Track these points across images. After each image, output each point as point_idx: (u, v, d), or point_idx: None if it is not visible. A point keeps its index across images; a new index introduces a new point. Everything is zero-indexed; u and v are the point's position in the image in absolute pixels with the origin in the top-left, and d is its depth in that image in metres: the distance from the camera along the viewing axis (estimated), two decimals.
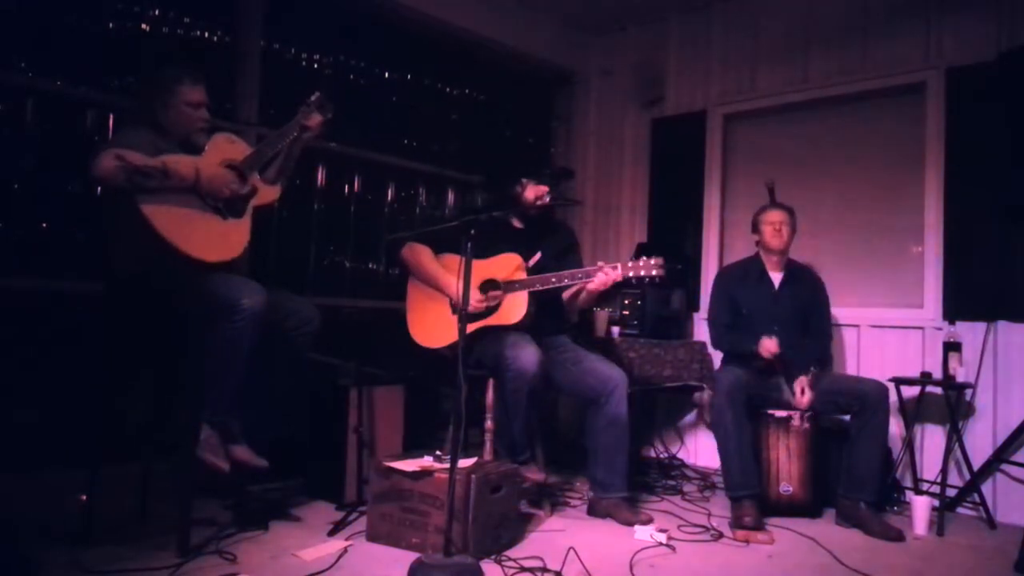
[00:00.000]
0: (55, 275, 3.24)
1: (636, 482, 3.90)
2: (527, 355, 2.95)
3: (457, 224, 2.67)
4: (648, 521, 3.13)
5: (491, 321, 3.14)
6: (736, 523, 3.13)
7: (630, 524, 3.09)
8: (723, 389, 3.33)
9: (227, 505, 2.96)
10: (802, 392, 3.39)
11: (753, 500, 3.20)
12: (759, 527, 3.09)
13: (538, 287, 3.12)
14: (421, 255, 3.29)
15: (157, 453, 2.85)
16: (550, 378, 3.18)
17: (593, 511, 3.28)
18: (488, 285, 3.18)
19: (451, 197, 4.88)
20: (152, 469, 2.83)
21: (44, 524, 2.61)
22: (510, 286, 3.14)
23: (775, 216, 3.62)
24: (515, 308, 3.12)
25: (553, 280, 3.09)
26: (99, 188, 3.28)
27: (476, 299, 3.06)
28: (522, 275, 3.16)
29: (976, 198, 3.69)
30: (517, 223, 3.40)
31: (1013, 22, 3.65)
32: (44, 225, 3.25)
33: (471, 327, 3.07)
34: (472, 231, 2.55)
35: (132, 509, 2.80)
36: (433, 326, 3.23)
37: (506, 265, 3.18)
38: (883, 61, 4.10)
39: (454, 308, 3.18)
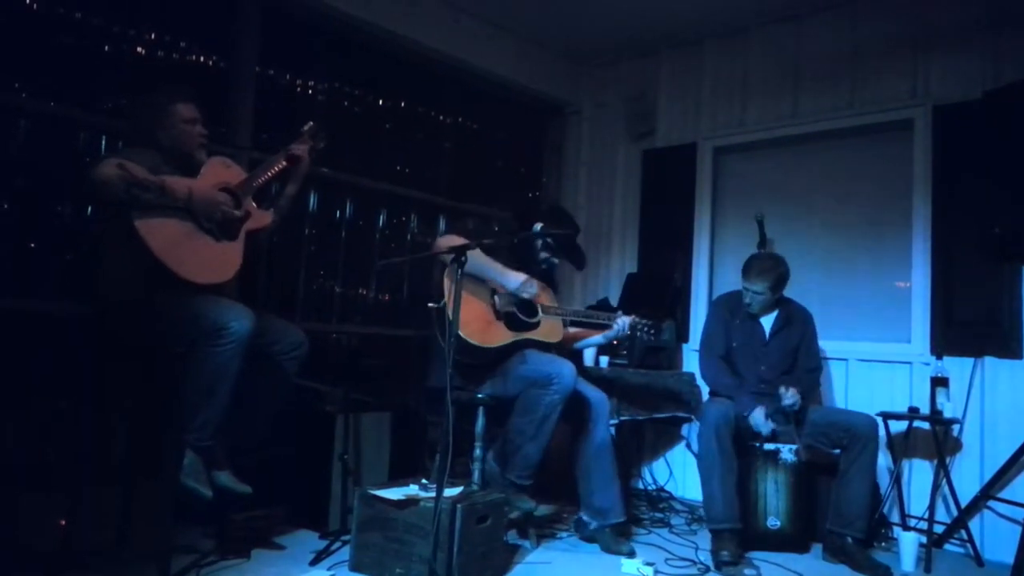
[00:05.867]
0: (41, 296, 3.22)
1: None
2: (569, 370, 3.06)
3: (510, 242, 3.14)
4: (631, 553, 3.12)
5: (534, 334, 3.25)
6: (715, 557, 3.11)
7: (615, 553, 3.12)
8: (710, 421, 3.32)
9: (209, 532, 2.91)
10: (787, 391, 3.40)
11: (733, 534, 3.18)
12: (737, 561, 3.07)
13: (571, 318, 3.42)
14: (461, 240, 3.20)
15: (140, 478, 2.81)
16: None
17: (583, 534, 3.32)
18: (527, 306, 3.28)
19: (442, 224, 4.88)
20: (134, 494, 2.79)
21: (21, 548, 2.56)
22: (547, 310, 3.31)
23: (750, 285, 3.56)
24: (556, 329, 3.35)
25: (583, 317, 3.47)
26: (90, 209, 3.29)
27: None
28: (555, 304, 3.39)
29: (963, 234, 3.73)
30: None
31: (997, 62, 3.72)
32: (32, 246, 3.23)
33: (517, 336, 3.21)
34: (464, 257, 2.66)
35: (112, 535, 2.75)
36: (475, 323, 3.11)
37: (543, 293, 3.33)
38: (872, 98, 4.15)
39: (497, 312, 3.21)
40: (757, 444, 3.44)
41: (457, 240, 3.03)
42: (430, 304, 3.09)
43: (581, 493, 3.30)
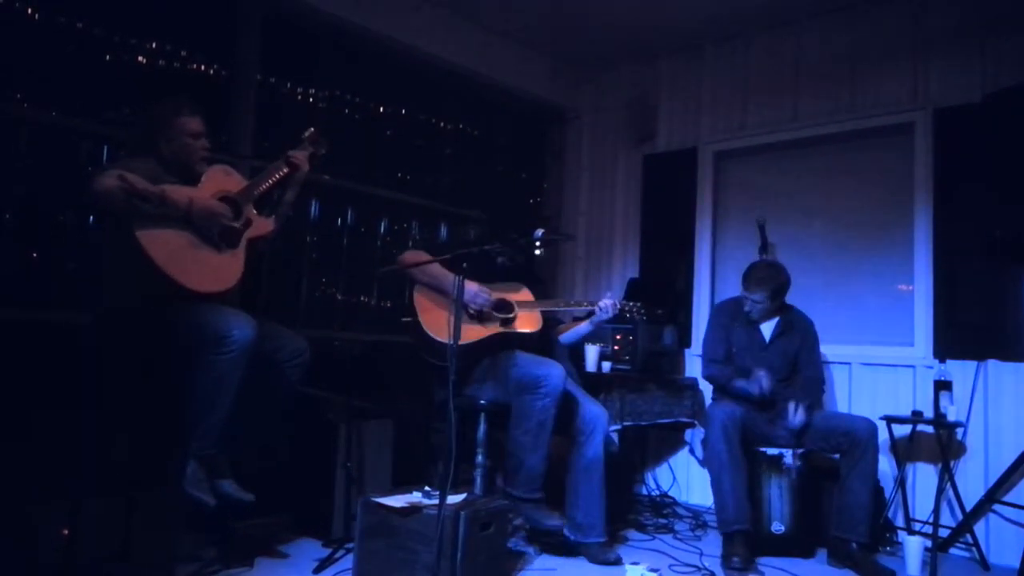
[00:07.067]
0: (43, 305, 3.22)
1: (628, 520, 3.88)
2: (557, 371, 3.06)
3: (480, 251, 2.97)
4: (617, 561, 3.11)
5: (512, 327, 3.27)
6: (725, 563, 3.10)
7: (601, 562, 3.11)
8: (718, 424, 3.31)
9: (212, 541, 2.91)
10: (795, 411, 3.37)
11: (745, 537, 3.17)
12: (749, 566, 3.06)
13: (548, 308, 3.42)
14: (422, 256, 3.25)
15: (143, 487, 2.81)
16: None
17: (568, 550, 3.25)
18: (503, 304, 3.31)
19: (444, 231, 4.89)
20: (137, 503, 2.79)
21: (24, 559, 2.56)
22: (523, 306, 3.34)
23: (749, 294, 3.58)
24: (533, 319, 3.34)
25: (561, 305, 3.56)
26: (91, 218, 3.29)
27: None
28: (532, 300, 3.40)
29: (965, 236, 3.72)
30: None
31: (997, 66, 3.72)
32: (34, 255, 3.24)
33: (492, 331, 3.21)
34: (465, 264, 2.69)
35: (116, 544, 2.75)
36: (447, 325, 3.14)
37: (515, 291, 3.38)
38: (872, 102, 4.15)
39: (470, 314, 3.22)
40: (761, 449, 3.43)
41: (422, 256, 3.12)
42: (404, 319, 3.19)
43: (566, 505, 3.26)
